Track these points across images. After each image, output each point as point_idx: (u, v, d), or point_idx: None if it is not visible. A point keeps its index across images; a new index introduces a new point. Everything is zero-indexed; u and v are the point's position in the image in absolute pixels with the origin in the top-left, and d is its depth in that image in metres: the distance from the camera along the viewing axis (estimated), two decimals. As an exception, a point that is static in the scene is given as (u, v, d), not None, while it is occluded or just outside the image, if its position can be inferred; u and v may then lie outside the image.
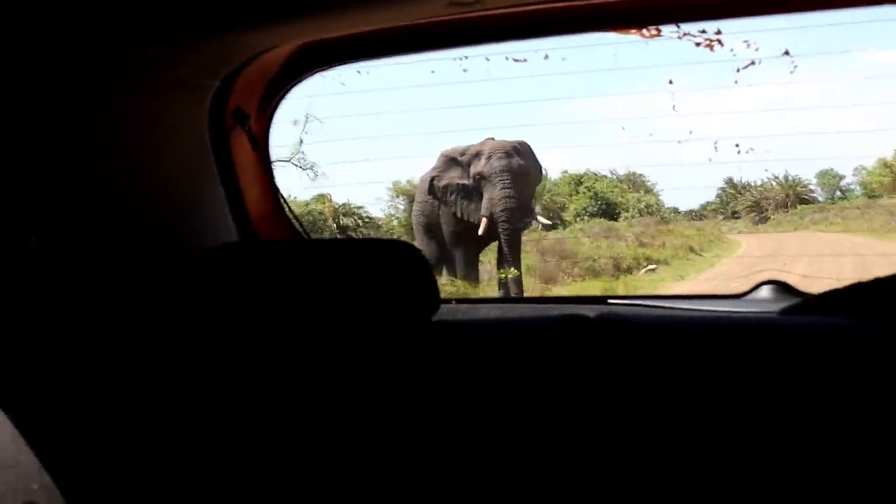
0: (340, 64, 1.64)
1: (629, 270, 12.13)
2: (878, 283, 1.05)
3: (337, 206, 13.54)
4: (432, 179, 9.23)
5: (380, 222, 15.72)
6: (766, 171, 19.39)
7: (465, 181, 8.94)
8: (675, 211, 18.74)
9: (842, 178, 19.95)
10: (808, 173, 20.07)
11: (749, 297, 1.60)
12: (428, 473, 1.03)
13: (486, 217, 8.69)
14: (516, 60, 9.91)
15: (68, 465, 1.04)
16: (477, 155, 8.88)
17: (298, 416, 1.08)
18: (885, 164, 18.05)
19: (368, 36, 1.50)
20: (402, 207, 15.64)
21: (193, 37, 1.34)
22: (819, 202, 19.36)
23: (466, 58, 11.04)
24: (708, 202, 20.03)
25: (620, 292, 10.41)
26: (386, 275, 1.16)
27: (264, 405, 1.10)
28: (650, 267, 12.45)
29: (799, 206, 18.77)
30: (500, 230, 8.68)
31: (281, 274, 1.17)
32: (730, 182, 19.73)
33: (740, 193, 19.77)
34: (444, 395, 1.06)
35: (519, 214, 8.73)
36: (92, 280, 1.23)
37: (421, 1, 1.31)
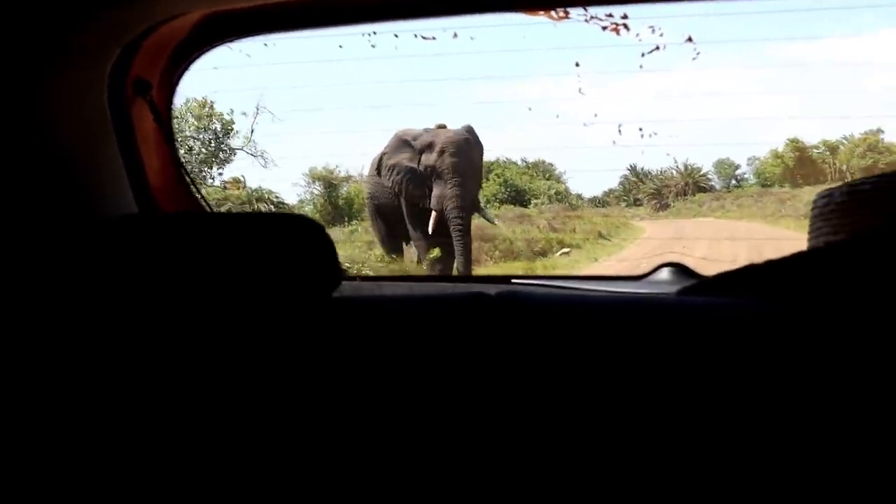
0: (246, 36, 1.58)
1: (544, 253, 12.31)
2: (767, 265, 1.04)
3: (251, 191, 13.30)
4: (381, 157, 9.18)
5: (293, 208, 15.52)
6: (668, 154, 19.77)
7: (415, 166, 8.86)
8: (581, 198, 18.99)
9: (737, 167, 20.47)
10: (708, 159, 20.60)
11: (649, 278, 1.61)
12: (324, 453, 0.98)
13: (437, 212, 8.66)
14: (425, 38, 9.85)
15: None
16: (430, 146, 8.80)
17: (192, 396, 1.02)
18: (777, 155, 18.58)
19: (275, 8, 1.45)
20: (317, 193, 15.46)
21: (93, 3, 1.27)
22: (716, 190, 19.82)
23: (375, 33, 10.83)
24: (611, 189, 20.33)
25: (540, 273, 10.41)
26: (285, 249, 1.11)
27: (157, 386, 1.03)
28: (564, 250, 12.64)
29: (697, 194, 19.18)
30: (451, 227, 8.63)
31: (176, 246, 1.11)
32: (632, 170, 20.05)
33: (642, 181, 20.10)
34: (341, 371, 1.02)
35: (469, 212, 8.74)
36: None
37: None
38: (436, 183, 8.73)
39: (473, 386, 0.99)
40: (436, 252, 9.05)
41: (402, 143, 9.05)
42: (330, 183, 15.18)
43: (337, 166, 15.46)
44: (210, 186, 11.82)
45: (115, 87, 1.45)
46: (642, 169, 19.86)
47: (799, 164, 17.92)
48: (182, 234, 1.13)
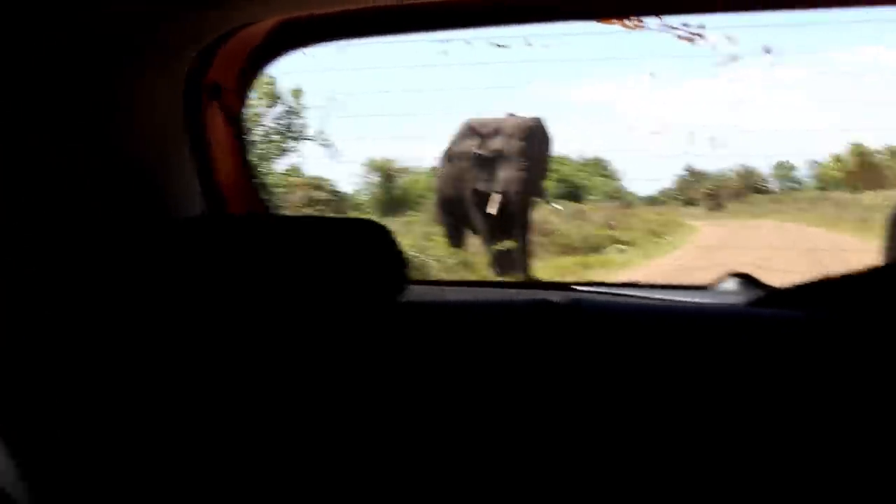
0: (320, 42, 1.57)
1: (598, 249, 12.21)
2: (840, 278, 1.03)
3: (310, 180, 13.37)
4: (449, 147, 9.27)
5: (348, 197, 15.55)
6: (743, 165, 19.41)
7: (481, 152, 8.94)
8: (635, 196, 18.80)
9: (795, 169, 20.12)
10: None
11: (715, 288, 1.58)
12: (394, 458, 0.99)
13: (502, 194, 8.72)
14: (499, 46, 9.81)
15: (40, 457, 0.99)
16: (497, 131, 8.89)
17: (264, 398, 1.04)
18: (838, 159, 18.27)
19: (349, 15, 1.44)
20: (374, 183, 15.52)
21: (172, 7, 1.27)
22: (773, 192, 19.52)
23: (448, 41, 10.80)
24: (666, 188, 20.13)
25: (596, 268, 10.57)
26: (354, 253, 1.11)
27: (229, 386, 1.05)
28: (620, 246, 12.58)
29: (753, 195, 18.91)
30: (515, 210, 8.71)
31: (245, 248, 1.11)
32: (689, 169, 19.83)
33: (698, 181, 19.87)
34: (412, 377, 1.02)
35: (533, 195, 8.84)
36: (59, 250, 1.17)
37: None
38: (502, 166, 8.77)
39: (538, 394, 0.98)
40: (501, 244, 9.03)
41: (469, 130, 9.14)
42: (387, 174, 15.22)
43: (395, 159, 15.51)
44: (272, 173, 11.88)
45: (191, 90, 1.46)
46: (698, 170, 19.60)
47: (860, 168, 17.54)
48: (252, 236, 1.13)
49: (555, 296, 1.18)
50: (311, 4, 1.37)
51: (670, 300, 1.46)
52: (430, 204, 14.29)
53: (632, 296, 1.54)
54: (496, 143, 8.90)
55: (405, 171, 15.82)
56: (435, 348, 1.05)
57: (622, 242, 12.89)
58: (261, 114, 11.26)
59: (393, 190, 15.18)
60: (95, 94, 1.28)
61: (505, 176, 8.76)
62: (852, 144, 17.69)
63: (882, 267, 1.04)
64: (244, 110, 1.60)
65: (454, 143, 9.25)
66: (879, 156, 17.59)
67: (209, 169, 1.51)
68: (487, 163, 8.91)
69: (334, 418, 1.01)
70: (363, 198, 15.43)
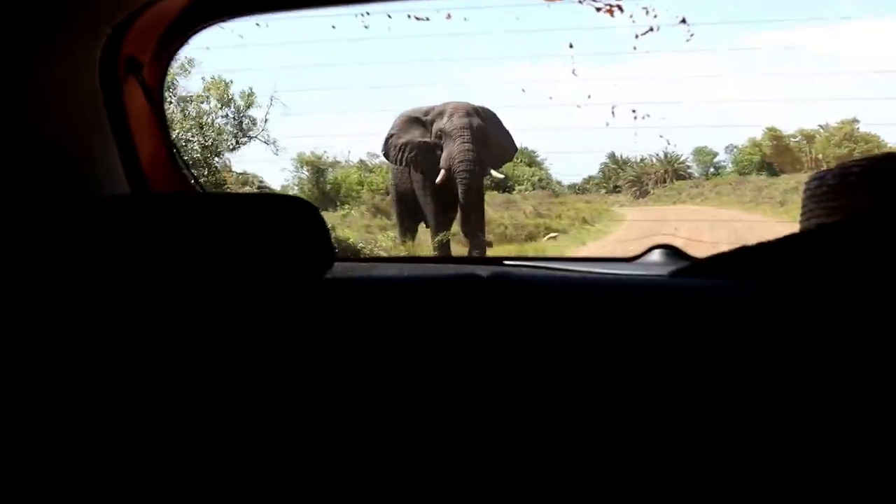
0: (238, 16, 1.54)
1: (532, 238, 12.36)
2: (759, 247, 1.03)
3: (237, 175, 13.20)
4: (388, 139, 9.15)
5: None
6: (662, 137, 19.56)
7: (427, 139, 8.93)
8: (560, 184, 18.92)
9: (715, 154, 20.48)
10: (700, 141, 20.48)
11: (640, 260, 1.59)
12: (319, 434, 0.97)
13: (445, 169, 8.71)
14: (418, 19, 9.76)
15: None
16: (440, 114, 8.87)
17: (190, 378, 1.01)
18: (755, 143, 18.62)
19: None
20: (304, 178, 15.35)
21: None
22: (695, 178, 19.84)
23: (368, 14, 10.64)
24: (591, 176, 20.28)
25: (531, 254, 10.56)
26: (278, 229, 1.09)
27: (157, 367, 1.01)
28: (552, 235, 12.73)
29: (676, 182, 19.21)
30: (457, 181, 8.67)
31: (169, 226, 1.08)
32: (612, 157, 20.04)
33: (622, 169, 20.11)
34: (333, 351, 1.00)
35: (477, 168, 8.73)
36: None
37: None
38: (445, 144, 8.77)
39: (466, 366, 0.97)
40: (448, 231, 9.14)
41: (411, 120, 9.08)
42: (317, 168, 15.10)
43: (325, 151, 15.36)
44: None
45: (107, 68, 1.42)
46: (621, 156, 19.83)
47: (776, 152, 17.95)
48: (175, 215, 1.10)
49: (483, 270, 1.17)
50: None
51: (597, 272, 1.47)
52: (362, 198, 14.27)
53: (559, 269, 1.55)
54: (439, 125, 8.89)
55: (335, 164, 15.73)
56: (361, 323, 1.03)
57: (555, 230, 13.02)
58: (207, 111, 10.99)
59: (323, 185, 15.06)
60: (8, 72, 1.23)
61: (447, 151, 8.76)
62: (767, 128, 18.10)
63: (799, 234, 1.05)
64: (163, 87, 1.57)
65: (395, 134, 9.14)
66: (794, 140, 18.03)
67: (131, 146, 1.48)
68: (432, 147, 8.93)
69: (260, 395, 0.99)
70: (294, 193, 15.26)
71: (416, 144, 8.95)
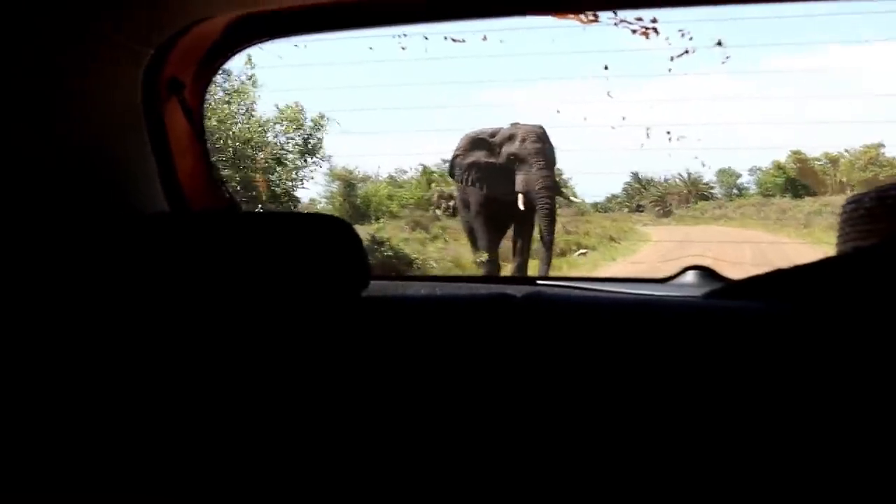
0: (277, 37, 1.54)
1: (563, 254, 12.37)
2: (795, 270, 1.01)
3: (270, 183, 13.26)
4: (454, 160, 9.40)
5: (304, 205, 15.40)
6: (696, 158, 19.40)
7: (494, 160, 9.11)
8: (584, 202, 18.85)
9: (739, 176, 20.34)
10: (735, 162, 20.32)
11: (674, 281, 1.57)
12: (356, 452, 0.95)
13: (523, 194, 8.88)
14: (454, 40, 9.77)
15: None
16: (510, 137, 9.07)
17: (229, 396, 0.99)
18: (779, 166, 18.49)
19: (307, 10, 1.42)
20: (335, 191, 15.37)
21: (129, 3, 1.25)
22: (718, 199, 19.73)
23: (405, 35, 10.68)
24: (614, 195, 20.19)
25: (566, 269, 10.88)
26: (315, 248, 1.08)
27: (196, 383, 1.00)
28: (582, 251, 12.81)
29: (700, 202, 19.11)
30: (538, 206, 8.87)
31: (208, 245, 1.08)
32: (635, 177, 19.97)
33: (645, 188, 20.03)
34: (369, 370, 0.99)
35: (555, 192, 9.05)
36: (19, 247, 1.13)
37: None
38: (519, 168, 8.96)
39: (499, 386, 0.95)
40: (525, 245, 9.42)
41: (477, 141, 9.29)
42: (349, 182, 15.15)
43: (356, 167, 15.41)
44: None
45: (149, 87, 1.42)
46: (645, 176, 19.76)
47: (800, 175, 17.84)
48: (213, 233, 1.10)
49: (516, 290, 1.15)
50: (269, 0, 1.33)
51: (630, 293, 1.45)
52: (392, 213, 14.32)
53: (593, 289, 1.53)
54: (511, 148, 9.06)
55: (365, 179, 15.78)
56: (395, 343, 1.02)
57: (585, 247, 13.08)
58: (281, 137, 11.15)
59: (354, 199, 15.11)
60: (53, 90, 1.24)
61: (523, 176, 8.93)
62: (792, 151, 17.99)
63: (835, 257, 1.03)
64: (203, 106, 1.56)
65: (461, 155, 9.35)
66: (818, 163, 17.90)
67: (170, 165, 1.48)
68: (503, 169, 9.09)
69: (298, 414, 0.98)
70: (317, 207, 15.24)
71: (483, 165, 9.15)
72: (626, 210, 19.37)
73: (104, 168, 1.35)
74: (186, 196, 1.50)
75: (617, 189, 20.12)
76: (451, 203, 15.14)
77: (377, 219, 14.13)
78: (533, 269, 9.26)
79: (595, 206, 18.82)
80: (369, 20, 1.48)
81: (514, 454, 0.92)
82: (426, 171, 16.30)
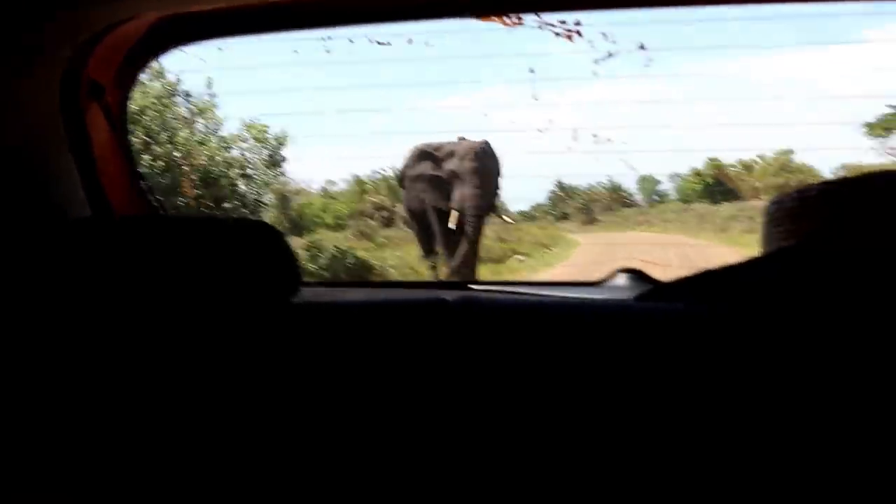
0: (200, 40, 1.49)
1: (501, 260, 12.58)
2: (722, 270, 1.02)
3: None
4: (403, 169, 9.69)
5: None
6: (623, 161, 19.53)
7: (438, 173, 9.36)
8: (508, 211, 18.92)
9: (659, 183, 20.70)
10: (660, 166, 20.46)
11: (606, 284, 1.57)
12: (283, 458, 0.93)
13: (458, 211, 9.14)
14: (380, 43, 9.74)
15: None
16: (451, 154, 9.32)
17: (156, 403, 0.96)
18: (697, 173, 18.89)
19: (229, 12, 1.37)
20: (269, 204, 15.20)
21: (46, 4, 1.19)
22: (640, 206, 20.05)
23: (330, 38, 10.58)
24: (539, 203, 20.29)
25: (506, 275, 11.08)
26: (243, 253, 1.05)
27: (120, 389, 0.96)
28: (519, 257, 12.98)
29: (623, 209, 19.40)
30: (467, 224, 9.13)
31: (133, 249, 1.03)
32: (559, 185, 20.13)
33: (569, 196, 20.23)
34: (300, 376, 0.97)
35: (485, 211, 9.26)
36: None
37: None
38: (457, 185, 9.21)
39: (433, 390, 0.94)
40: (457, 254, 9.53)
41: (424, 154, 9.55)
42: (282, 195, 14.99)
43: (290, 178, 15.28)
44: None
45: (68, 91, 1.37)
46: (568, 184, 19.96)
47: (717, 181, 18.27)
48: (140, 238, 1.05)
49: (450, 295, 1.14)
50: (190, 1, 1.29)
51: (563, 296, 1.44)
52: (328, 225, 14.24)
53: (526, 293, 1.52)
54: (451, 165, 9.30)
55: (298, 192, 15.64)
56: (328, 348, 0.99)
57: (520, 253, 13.25)
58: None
59: (288, 212, 14.97)
60: None
61: (459, 194, 9.19)
62: (709, 159, 18.38)
63: (758, 258, 1.04)
64: (125, 110, 1.51)
65: (409, 166, 9.65)
66: (734, 169, 18.33)
67: (92, 170, 1.42)
68: (443, 183, 9.33)
69: (226, 421, 0.95)
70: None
71: (427, 177, 9.40)
72: (551, 218, 19.51)
73: (25, 174, 1.30)
74: (111, 202, 1.45)
75: (545, 192, 20.22)
76: (384, 213, 15.15)
77: (311, 231, 14.04)
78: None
79: (521, 214, 18.94)
80: (294, 22, 1.45)
81: (449, 458, 0.91)
82: (359, 182, 16.27)
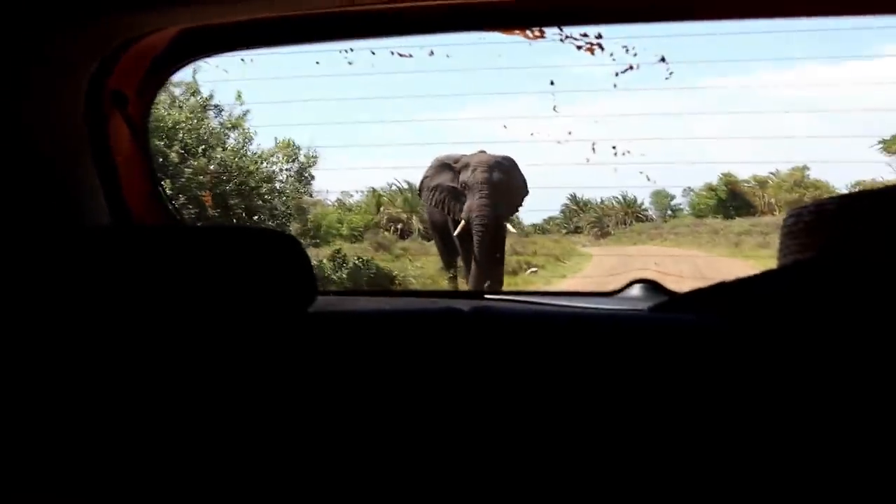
0: (223, 52, 1.50)
1: (515, 272, 12.59)
2: (738, 282, 1.01)
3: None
4: (423, 181, 9.80)
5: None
6: (641, 173, 19.44)
7: (455, 185, 9.43)
8: (521, 226, 18.88)
9: (672, 198, 20.63)
10: (678, 178, 20.30)
11: (621, 295, 1.57)
12: (303, 468, 0.92)
13: (465, 220, 9.18)
14: (401, 55, 9.76)
15: None
16: (466, 165, 9.36)
17: (175, 411, 0.95)
18: (711, 188, 18.85)
19: (252, 24, 1.38)
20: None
21: (73, 16, 1.20)
22: (653, 220, 20.00)
23: (352, 50, 10.64)
24: (552, 217, 20.20)
25: (522, 286, 11.13)
26: (260, 263, 1.04)
27: (137, 397, 0.95)
28: (532, 269, 13.05)
29: (636, 224, 19.36)
30: (474, 233, 9.15)
31: (151, 258, 1.03)
32: (573, 199, 20.08)
33: (583, 210, 20.20)
34: (316, 385, 0.96)
35: (491, 222, 9.17)
36: None
37: None
38: (468, 196, 9.26)
39: (448, 400, 0.93)
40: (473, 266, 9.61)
41: (443, 166, 9.61)
42: (299, 206, 15.04)
43: (307, 188, 15.35)
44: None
45: (92, 100, 1.38)
46: (582, 197, 19.91)
47: (731, 196, 18.22)
48: (157, 247, 1.05)
49: (465, 304, 1.14)
50: (213, 13, 1.30)
51: (577, 306, 1.44)
52: (343, 237, 14.27)
53: (541, 303, 1.51)
54: (465, 176, 9.36)
55: (315, 203, 15.68)
56: (343, 357, 0.99)
57: (534, 265, 13.33)
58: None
59: (305, 223, 15.00)
60: None
61: (468, 205, 9.24)
62: (722, 174, 18.33)
63: (773, 270, 1.04)
64: (147, 120, 1.51)
65: (429, 177, 9.73)
66: (747, 185, 18.28)
67: (114, 179, 1.42)
68: (459, 194, 9.41)
69: (243, 431, 0.94)
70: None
71: (446, 188, 9.46)
72: (564, 231, 19.47)
73: (47, 182, 1.31)
74: (131, 211, 1.45)
75: (562, 203, 20.14)
76: (400, 226, 15.18)
77: (328, 242, 14.08)
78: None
79: (534, 227, 18.89)
80: (316, 35, 1.45)
81: (465, 467, 0.89)
82: (375, 194, 16.30)
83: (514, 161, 9.55)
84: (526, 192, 9.87)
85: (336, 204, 16.18)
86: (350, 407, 0.94)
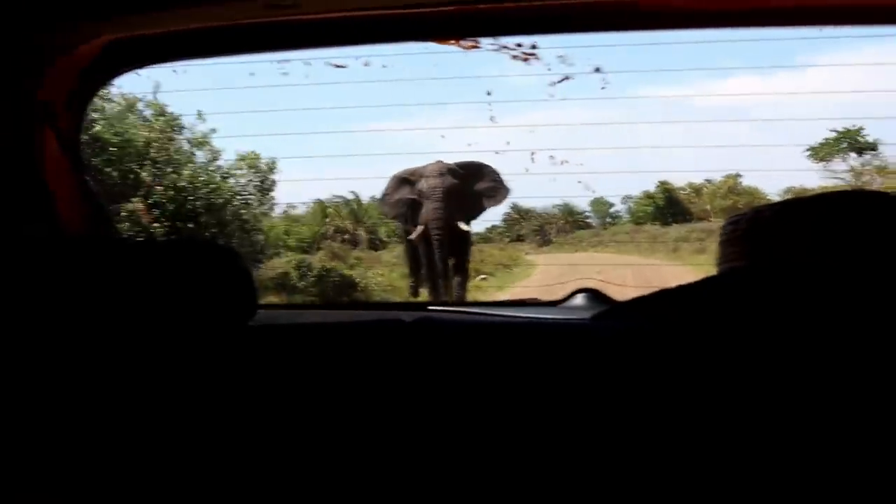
0: (154, 63, 1.46)
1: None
2: (678, 289, 1.02)
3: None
4: (384, 196, 9.84)
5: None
6: (580, 182, 19.53)
7: (413, 196, 9.49)
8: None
9: (612, 205, 20.87)
10: (616, 187, 20.47)
11: (564, 304, 1.57)
12: (241, 480, 0.91)
13: (422, 226, 9.26)
14: (337, 66, 9.69)
15: None
16: (421, 175, 9.45)
17: (110, 425, 0.93)
18: (649, 195, 19.11)
19: (184, 35, 1.35)
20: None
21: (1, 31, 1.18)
22: (593, 227, 20.21)
23: (287, 61, 10.62)
24: (494, 226, 20.26)
25: (474, 292, 11.12)
26: (200, 276, 1.02)
27: (64, 411, 0.93)
28: (482, 277, 13.09)
29: (577, 231, 19.56)
30: (432, 238, 9.23)
31: (88, 270, 0.99)
32: (515, 208, 20.19)
33: (524, 218, 20.32)
34: (257, 398, 0.94)
35: (445, 225, 9.22)
36: None
37: (237, 1, 1.19)
38: (423, 204, 9.34)
39: (389, 410, 0.92)
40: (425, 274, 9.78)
41: (401, 180, 9.66)
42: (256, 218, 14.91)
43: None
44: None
45: (20, 114, 1.34)
46: (522, 207, 20.03)
47: (668, 203, 18.51)
48: (93, 258, 1.01)
49: (407, 315, 1.14)
50: (143, 24, 1.27)
51: (521, 317, 1.44)
52: (290, 247, 14.16)
53: (483, 314, 1.51)
54: (419, 185, 9.45)
55: (261, 216, 15.55)
56: (285, 369, 0.98)
57: (484, 273, 13.38)
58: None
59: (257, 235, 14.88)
60: None
61: (423, 211, 9.32)
62: (660, 182, 18.59)
63: (712, 277, 1.05)
64: (79, 133, 1.47)
65: (388, 194, 9.78)
66: (683, 192, 18.58)
67: (45, 192, 1.38)
68: (417, 205, 9.48)
69: (182, 444, 0.92)
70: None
71: (404, 202, 9.53)
72: (507, 240, 19.57)
73: None
74: (64, 224, 1.41)
75: (503, 212, 20.22)
76: (346, 237, 15.10)
77: (277, 254, 13.96)
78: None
79: (478, 236, 18.94)
80: (251, 45, 1.42)
81: (405, 478, 0.89)
82: (321, 205, 16.19)
83: (480, 166, 9.58)
84: (494, 196, 9.81)
85: (282, 216, 16.05)
86: (292, 419, 0.92)
